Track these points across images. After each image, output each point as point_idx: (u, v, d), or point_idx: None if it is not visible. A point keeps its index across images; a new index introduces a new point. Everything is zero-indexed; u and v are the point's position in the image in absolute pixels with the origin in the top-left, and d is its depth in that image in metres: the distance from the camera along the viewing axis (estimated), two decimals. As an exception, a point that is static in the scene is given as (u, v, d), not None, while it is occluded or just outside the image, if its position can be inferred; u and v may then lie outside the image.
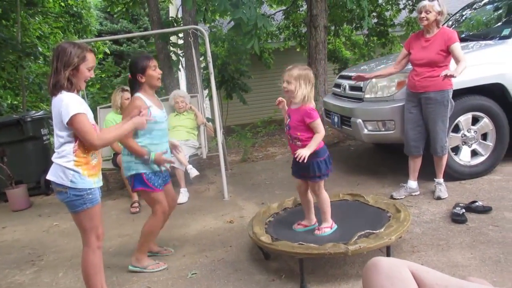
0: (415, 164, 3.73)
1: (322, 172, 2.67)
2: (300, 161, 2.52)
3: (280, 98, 2.78)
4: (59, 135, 2.19)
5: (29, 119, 5.40)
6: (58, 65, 2.15)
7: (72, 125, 2.13)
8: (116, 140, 2.33)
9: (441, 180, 3.66)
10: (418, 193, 3.74)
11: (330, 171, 2.73)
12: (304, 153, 2.53)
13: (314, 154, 2.62)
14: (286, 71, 2.65)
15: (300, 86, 2.57)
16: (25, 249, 3.65)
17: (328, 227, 2.76)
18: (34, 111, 6.41)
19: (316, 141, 2.60)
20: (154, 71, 2.84)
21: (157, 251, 3.17)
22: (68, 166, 2.18)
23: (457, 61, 3.36)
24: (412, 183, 3.75)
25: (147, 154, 2.78)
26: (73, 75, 2.17)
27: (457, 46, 3.39)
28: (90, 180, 2.24)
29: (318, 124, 2.61)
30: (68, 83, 2.15)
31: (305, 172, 2.72)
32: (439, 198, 3.58)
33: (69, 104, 2.11)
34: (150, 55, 3.06)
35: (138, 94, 2.83)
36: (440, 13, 3.47)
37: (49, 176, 2.23)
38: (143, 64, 2.81)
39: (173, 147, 2.91)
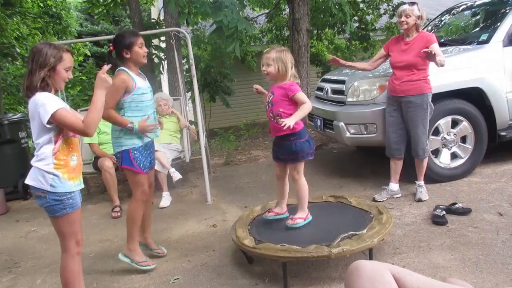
0: (396, 167, 3.77)
1: (305, 151, 2.67)
2: (285, 128, 2.50)
3: (255, 86, 2.81)
4: (38, 138, 2.14)
5: (6, 122, 5.27)
6: (33, 66, 2.09)
7: (55, 122, 2.08)
8: (100, 115, 2.23)
9: (422, 182, 3.71)
10: (399, 195, 3.78)
11: (313, 152, 2.74)
12: (289, 122, 2.51)
13: (296, 136, 2.65)
14: (264, 54, 2.69)
15: (279, 65, 2.62)
16: (2, 255, 3.55)
17: (302, 218, 2.77)
18: (11, 114, 6.25)
19: (303, 110, 2.62)
20: (141, 49, 2.80)
21: (152, 248, 3.13)
22: (47, 170, 2.12)
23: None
24: (394, 186, 3.79)
25: (130, 123, 2.76)
26: (49, 76, 2.11)
27: (435, 46, 3.45)
28: (71, 183, 2.19)
29: (302, 95, 2.64)
30: (43, 83, 2.09)
31: (288, 153, 2.71)
32: (420, 200, 3.62)
33: (45, 103, 2.05)
34: (137, 31, 3.01)
35: (123, 68, 2.79)
36: (419, 17, 3.53)
37: (28, 181, 2.17)
38: (130, 40, 2.76)
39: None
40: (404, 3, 3.63)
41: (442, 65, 3.38)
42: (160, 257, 3.12)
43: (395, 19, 9.04)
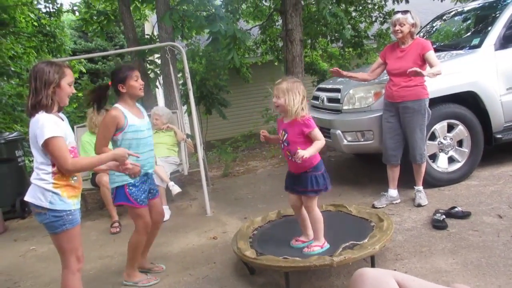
0: (393, 173, 3.78)
1: (320, 186, 2.61)
2: (298, 161, 2.47)
3: (262, 133, 2.76)
4: (38, 157, 2.14)
5: (2, 141, 5.25)
6: (37, 85, 2.11)
7: (46, 148, 2.08)
8: (91, 167, 2.32)
9: (420, 187, 3.72)
10: (399, 201, 3.78)
11: (327, 186, 2.66)
12: (304, 153, 2.46)
13: (312, 168, 2.59)
14: (275, 86, 2.62)
15: (290, 99, 2.54)
16: (1, 275, 3.51)
17: (319, 246, 2.68)
18: (8, 133, 6.22)
19: (317, 147, 2.56)
20: (136, 82, 2.80)
21: (149, 268, 3.11)
22: (47, 188, 2.13)
23: (432, 66, 3.44)
24: (393, 192, 3.79)
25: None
26: (54, 93, 2.14)
27: (431, 54, 3.48)
28: (70, 201, 2.19)
29: (318, 132, 2.59)
30: (50, 101, 2.11)
31: (301, 186, 2.64)
32: (419, 205, 3.62)
33: (44, 125, 2.06)
34: (132, 65, 3.03)
35: (116, 105, 2.79)
36: (413, 25, 3.57)
37: (27, 198, 2.17)
38: (124, 74, 2.77)
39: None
40: (397, 12, 3.66)
41: (439, 74, 3.40)
42: (162, 272, 3.09)
43: (385, 26, 9.12)
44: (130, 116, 2.78)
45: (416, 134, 3.57)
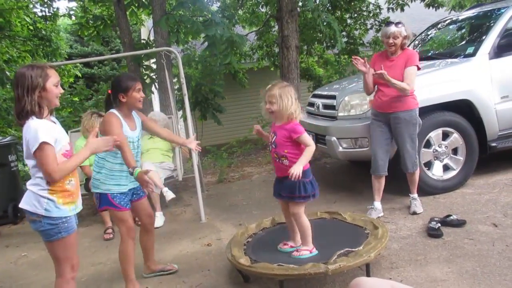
0: (380, 185, 3.73)
1: (308, 192, 2.60)
2: (293, 179, 2.46)
3: (256, 126, 2.77)
4: (31, 164, 2.10)
5: (-5, 145, 5.20)
6: (19, 92, 2.04)
7: (36, 153, 2.02)
8: (75, 167, 2.16)
9: (415, 195, 3.71)
10: (382, 214, 3.70)
11: (315, 193, 2.65)
12: (297, 170, 2.46)
13: (301, 175, 2.56)
14: (266, 92, 2.59)
15: (283, 104, 2.53)
16: (-9, 282, 3.47)
17: (308, 250, 2.68)
18: (1, 137, 6.17)
19: (308, 155, 2.54)
20: (138, 93, 2.78)
21: (160, 269, 3.10)
22: (42, 194, 2.09)
23: (404, 81, 3.42)
24: (378, 204, 3.73)
25: (133, 168, 2.65)
26: (41, 96, 2.07)
27: (411, 70, 3.44)
28: (66, 208, 2.15)
29: (306, 138, 2.57)
30: (36, 107, 2.04)
31: (290, 192, 2.63)
32: (414, 213, 3.62)
33: (37, 130, 2.01)
34: (135, 76, 3.01)
35: (113, 110, 2.76)
36: (406, 37, 3.56)
37: (22, 205, 2.13)
38: (127, 84, 2.74)
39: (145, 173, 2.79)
40: (390, 23, 3.62)
41: (403, 90, 3.38)
42: (153, 279, 3.06)
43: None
44: (125, 126, 2.77)
45: (408, 143, 3.56)
